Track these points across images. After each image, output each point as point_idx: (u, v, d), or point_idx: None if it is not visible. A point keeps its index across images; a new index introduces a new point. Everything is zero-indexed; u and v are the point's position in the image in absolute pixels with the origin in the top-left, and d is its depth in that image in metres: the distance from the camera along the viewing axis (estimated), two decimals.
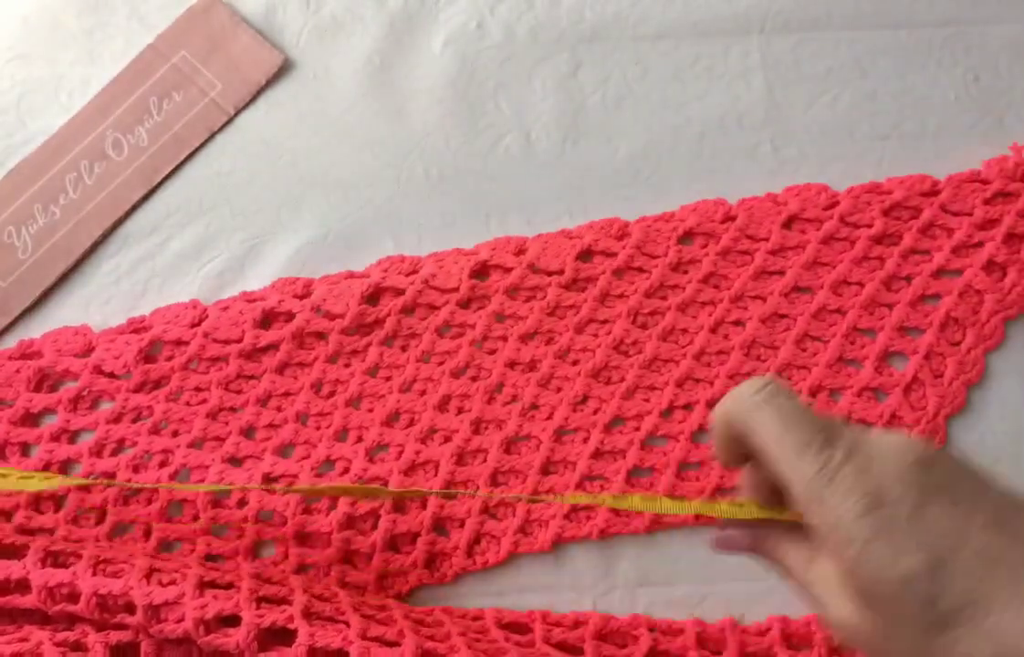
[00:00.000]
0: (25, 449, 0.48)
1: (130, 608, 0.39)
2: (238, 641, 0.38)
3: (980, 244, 0.50)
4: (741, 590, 0.45)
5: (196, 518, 0.46)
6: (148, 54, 0.55)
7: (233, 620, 0.39)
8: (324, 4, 0.56)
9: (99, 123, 0.53)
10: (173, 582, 0.39)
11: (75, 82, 0.54)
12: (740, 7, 0.56)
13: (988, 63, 0.54)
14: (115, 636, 0.39)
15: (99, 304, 0.50)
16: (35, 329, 0.50)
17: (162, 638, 0.39)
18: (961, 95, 0.54)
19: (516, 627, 0.44)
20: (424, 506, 0.46)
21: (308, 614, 0.39)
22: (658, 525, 0.46)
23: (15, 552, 0.41)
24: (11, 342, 0.50)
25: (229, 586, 0.40)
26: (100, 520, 0.46)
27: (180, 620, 0.38)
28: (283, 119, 0.54)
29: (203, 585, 0.39)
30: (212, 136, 0.54)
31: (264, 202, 0.52)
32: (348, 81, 0.55)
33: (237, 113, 0.54)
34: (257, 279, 0.51)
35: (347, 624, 0.39)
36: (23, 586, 0.40)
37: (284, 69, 0.55)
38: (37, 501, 0.46)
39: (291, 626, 0.38)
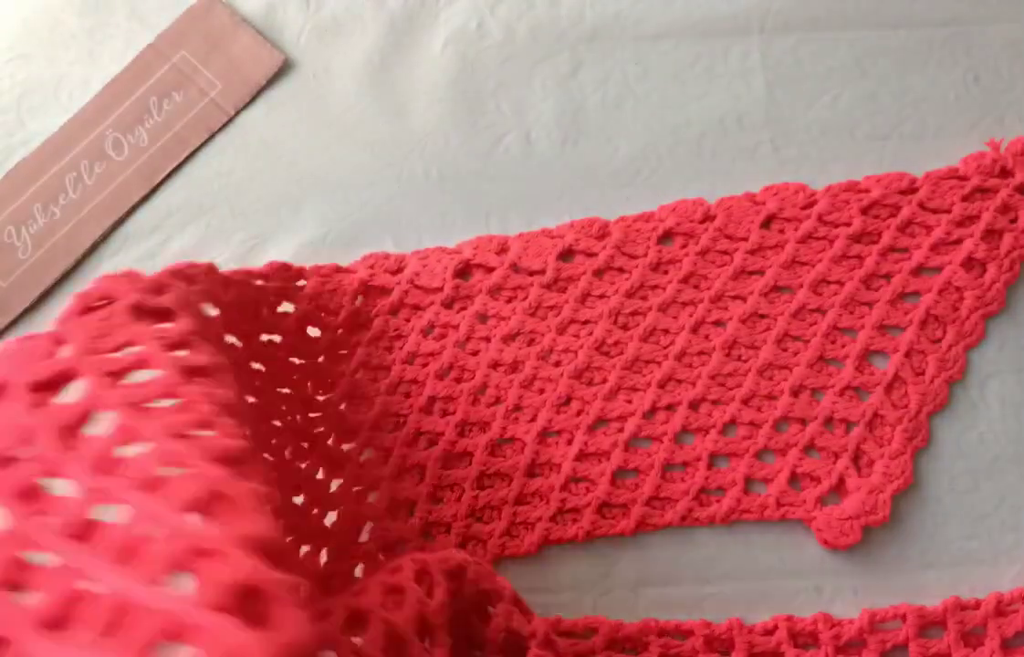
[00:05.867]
0: None
1: None
2: None
3: (959, 241, 0.50)
4: (741, 590, 0.45)
5: None
6: (148, 54, 0.55)
7: None
8: (324, 4, 0.56)
9: (99, 123, 0.53)
10: None
11: (75, 82, 0.54)
12: (740, 7, 0.56)
13: (988, 63, 0.54)
14: None
15: None
16: (34, 330, 0.50)
17: None
18: (961, 95, 0.54)
19: None
20: (411, 512, 0.46)
21: None
22: (644, 527, 0.46)
23: None
24: None
25: None
26: None
27: None
28: (283, 119, 0.54)
29: None
30: (212, 136, 0.54)
31: (264, 202, 0.52)
32: (348, 81, 0.55)
33: (237, 113, 0.54)
34: None
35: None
36: None
37: (284, 69, 0.55)
38: None
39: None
